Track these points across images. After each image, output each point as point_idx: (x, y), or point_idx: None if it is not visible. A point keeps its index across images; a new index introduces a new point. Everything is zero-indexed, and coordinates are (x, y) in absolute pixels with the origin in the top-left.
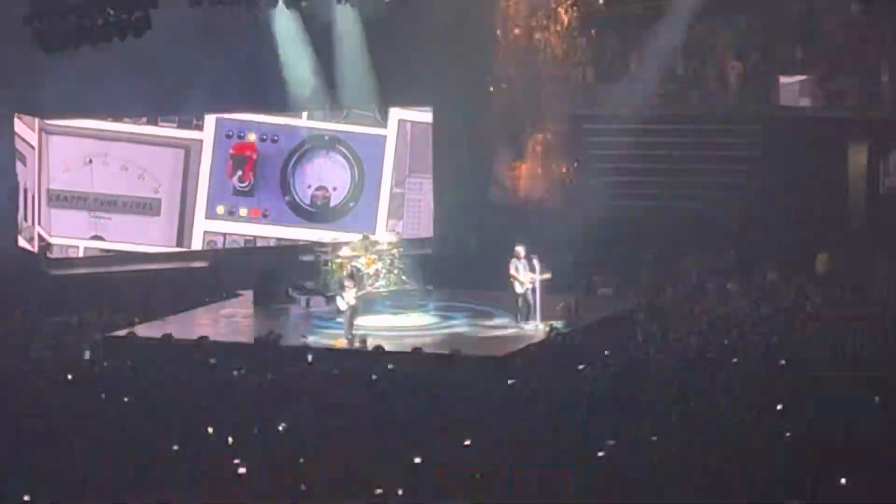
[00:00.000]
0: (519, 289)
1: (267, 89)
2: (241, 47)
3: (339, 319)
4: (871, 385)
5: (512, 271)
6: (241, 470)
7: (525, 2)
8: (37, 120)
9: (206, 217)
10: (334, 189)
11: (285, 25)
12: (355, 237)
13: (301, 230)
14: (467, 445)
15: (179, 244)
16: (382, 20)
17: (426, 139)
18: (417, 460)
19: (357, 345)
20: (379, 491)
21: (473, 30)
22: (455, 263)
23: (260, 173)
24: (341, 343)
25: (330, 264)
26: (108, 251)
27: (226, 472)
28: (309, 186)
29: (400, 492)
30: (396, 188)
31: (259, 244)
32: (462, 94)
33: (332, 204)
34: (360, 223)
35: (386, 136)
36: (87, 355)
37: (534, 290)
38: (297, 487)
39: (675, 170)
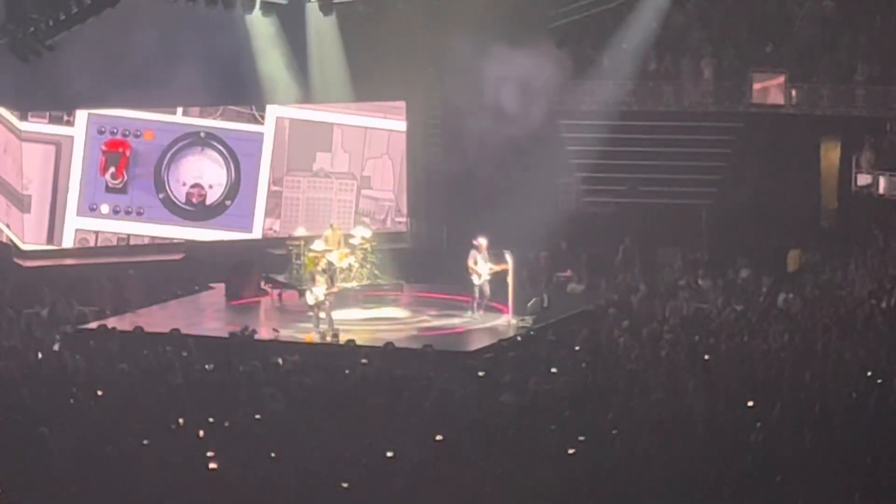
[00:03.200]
0: (476, 280)
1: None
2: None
3: (311, 313)
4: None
5: (471, 263)
6: (213, 465)
7: None
8: None
9: (78, 214)
10: (210, 187)
11: (260, 22)
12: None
13: (176, 228)
14: (439, 440)
15: (50, 241)
16: (356, 18)
17: (306, 137)
18: (389, 454)
19: (328, 339)
20: (346, 485)
21: (446, 23)
22: (428, 258)
23: (133, 170)
24: (312, 337)
25: (302, 258)
26: None
27: (197, 465)
28: (184, 184)
29: (370, 486)
30: (274, 186)
31: (133, 242)
32: (436, 88)
33: (207, 202)
34: (237, 221)
35: (263, 134)
36: (57, 348)
37: (489, 281)
38: (268, 481)
39: (647, 166)
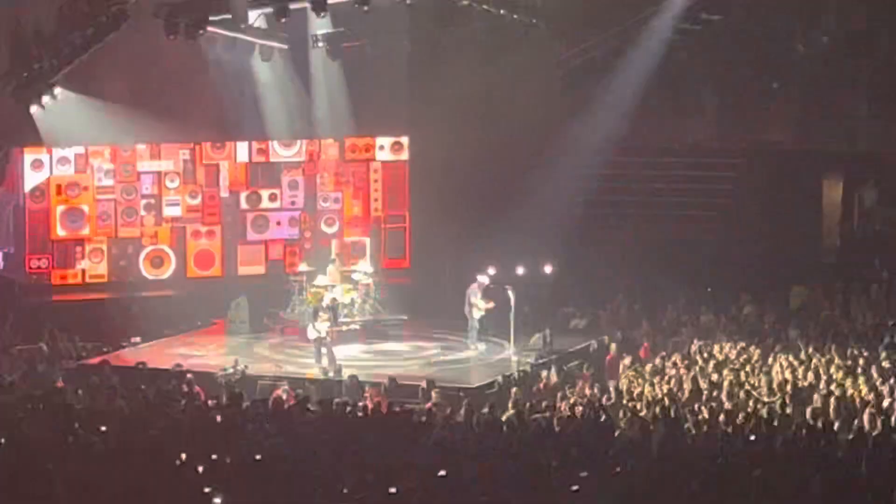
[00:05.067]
0: (477, 314)
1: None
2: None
3: (313, 349)
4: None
5: (474, 299)
6: (217, 500)
7: None
8: None
9: None
10: None
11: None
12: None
13: None
14: (442, 476)
15: None
16: (361, 58)
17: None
18: (392, 490)
19: (331, 374)
20: None
21: (449, 61)
22: (431, 293)
23: None
24: (314, 373)
25: (305, 293)
26: None
27: (199, 501)
28: None
29: None
30: None
31: None
32: (439, 123)
33: None
34: None
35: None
36: (59, 383)
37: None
38: None
39: (650, 201)
